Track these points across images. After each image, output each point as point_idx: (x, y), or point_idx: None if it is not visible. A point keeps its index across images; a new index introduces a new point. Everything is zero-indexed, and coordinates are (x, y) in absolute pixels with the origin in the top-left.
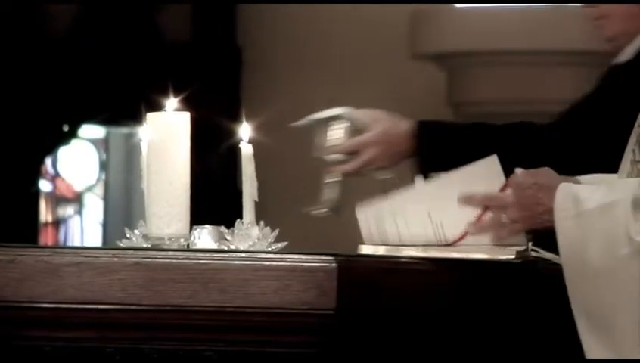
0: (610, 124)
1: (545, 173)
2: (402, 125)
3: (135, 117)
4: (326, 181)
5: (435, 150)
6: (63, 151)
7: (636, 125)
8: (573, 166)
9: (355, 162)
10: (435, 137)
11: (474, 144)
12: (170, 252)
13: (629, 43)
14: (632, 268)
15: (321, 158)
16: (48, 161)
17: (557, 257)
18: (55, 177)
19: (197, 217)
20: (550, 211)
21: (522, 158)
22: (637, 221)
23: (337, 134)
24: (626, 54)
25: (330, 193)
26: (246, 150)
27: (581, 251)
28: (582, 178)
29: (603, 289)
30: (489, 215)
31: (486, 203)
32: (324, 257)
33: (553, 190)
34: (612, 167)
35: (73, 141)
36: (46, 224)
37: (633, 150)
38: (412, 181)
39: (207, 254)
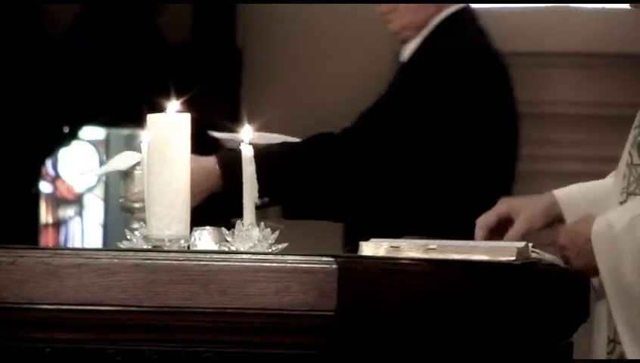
0: (395, 124)
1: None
2: (201, 164)
3: (136, 119)
4: (132, 226)
5: (239, 181)
6: (63, 152)
7: (633, 127)
8: (371, 168)
9: None
10: (237, 168)
11: (278, 167)
12: (170, 254)
13: (414, 36)
14: None
15: (127, 206)
16: (49, 162)
17: (556, 259)
18: (55, 178)
19: (198, 218)
20: (589, 239)
21: (326, 169)
22: None
23: (138, 180)
24: (407, 52)
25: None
26: (246, 151)
27: (615, 269)
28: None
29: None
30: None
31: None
32: (324, 258)
33: (589, 222)
34: (407, 167)
35: (74, 143)
36: (46, 225)
37: (630, 153)
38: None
39: (207, 255)
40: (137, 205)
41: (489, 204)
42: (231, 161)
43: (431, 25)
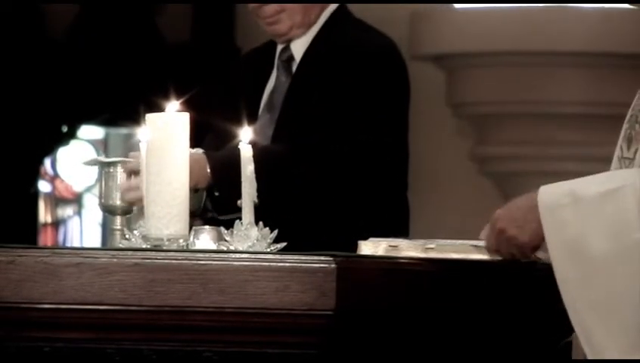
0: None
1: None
2: (191, 156)
3: (135, 118)
4: (114, 227)
5: (229, 179)
6: (62, 152)
7: (625, 121)
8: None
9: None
10: (227, 166)
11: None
12: (169, 253)
13: (300, 36)
14: None
15: (109, 205)
16: (47, 162)
17: None
18: (54, 178)
19: None
20: (530, 210)
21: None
22: None
23: (120, 179)
24: (298, 49)
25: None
26: (245, 151)
27: (582, 241)
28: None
29: (613, 277)
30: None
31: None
32: (323, 258)
33: (528, 197)
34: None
35: (72, 142)
36: (45, 224)
37: (621, 147)
38: None
39: (206, 255)
40: (119, 203)
41: (383, 204)
42: (221, 159)
43: (321, 21)
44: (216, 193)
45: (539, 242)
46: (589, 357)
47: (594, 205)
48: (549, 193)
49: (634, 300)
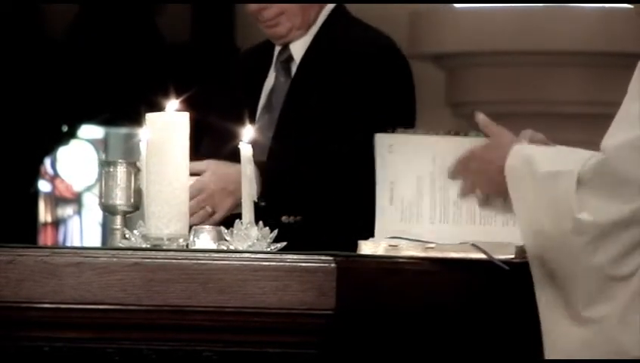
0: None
1: (500, 133)
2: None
3: (135, 118)
4: (114, 227)
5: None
6: (62, 151)
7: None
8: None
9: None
10: (278, 177)
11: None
12: (169, 253)
13: (300, 37)
14: (575, 243)
15: (109, 205)
16: (47, 161)
17: None
18: (54, 177)
19: None
20: (501, 169)
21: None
22: (580, 200)
23: (120, 179)
24: (297, 50)
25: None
26: (245, 150)
27: (536, 214)
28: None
29: (556, 253)
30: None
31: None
32: (323, 257)
33: (505, 148)
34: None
35: (72, 142)
36: (45, 224)
37: None
38: None
39: (206, 254)
40: (119, 202)
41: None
42: (272, 170)
43: (319, 21)
44: (262, 203)
45: (497, 194)
46: (542, 328)
47: (540, 185)
48: (516, 158)
49: (571, 276)
